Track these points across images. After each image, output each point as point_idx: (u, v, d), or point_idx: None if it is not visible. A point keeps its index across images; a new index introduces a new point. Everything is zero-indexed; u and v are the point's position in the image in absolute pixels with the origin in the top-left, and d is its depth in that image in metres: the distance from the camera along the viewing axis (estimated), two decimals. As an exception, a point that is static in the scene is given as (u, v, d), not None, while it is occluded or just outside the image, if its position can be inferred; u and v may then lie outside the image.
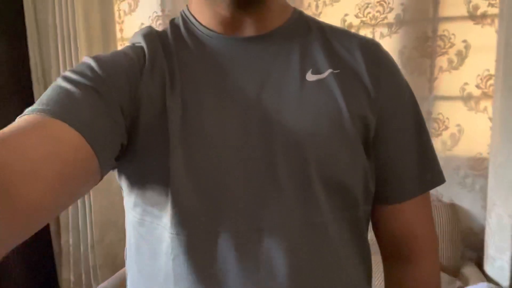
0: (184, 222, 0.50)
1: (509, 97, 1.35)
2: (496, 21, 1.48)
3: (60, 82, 0.47)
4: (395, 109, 0.57)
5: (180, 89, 0.52)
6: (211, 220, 0.50)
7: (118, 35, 1.93)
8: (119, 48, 1.94)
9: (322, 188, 0.52)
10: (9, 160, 0.35)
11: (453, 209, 1.67)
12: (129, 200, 0.55)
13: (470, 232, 1.68)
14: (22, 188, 0.35)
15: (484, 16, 1.53)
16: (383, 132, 0.56)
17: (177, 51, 0.55)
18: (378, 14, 1.64)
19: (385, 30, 1.65)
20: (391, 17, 1.63)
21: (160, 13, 1.85)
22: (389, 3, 1.62)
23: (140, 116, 0.50)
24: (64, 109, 0.43)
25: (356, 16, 1.69)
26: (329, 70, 0.55)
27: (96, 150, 0.43)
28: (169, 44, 0.56)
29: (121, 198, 0.56)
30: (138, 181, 0.53)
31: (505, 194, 1.41)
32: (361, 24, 1.69)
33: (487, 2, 1.52)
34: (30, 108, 0.44)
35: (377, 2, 1.63)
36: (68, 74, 0.48)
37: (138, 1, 1.89)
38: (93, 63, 0.49)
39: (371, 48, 0.58)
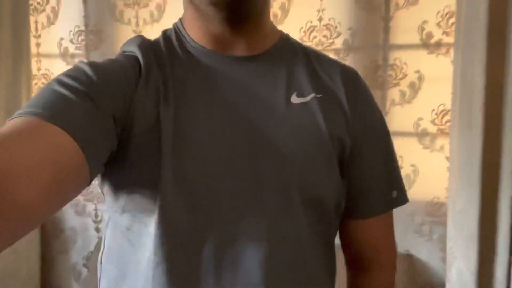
0: (170, 231, 0.52)
1: (467, 135, 1.20)
2: (452, 50, 1.35)
3: (54, 85, 0.47)
4: (368, 134, 0.63)
5: (173, 102, 0.54)
6: (195, 231, 0.52)
7: (34, 50, 1.71)
8: (33, 64, 1.75)
9: (301, 203, 0.56)
10: (3, 163, 0.36)
11: (410, 261, 1.47)
12: (116, 205, 0.56)
13: (429, 287, 1.48)
14: (15, 191, 0.35)
15: (438, 45, 1.40)
16: (356, 154, 0.62)
17: (170, 63, 0.57)
18: (324, 39, 1.48)
19: (332, 57, 1.50)
20: (338, 43, 1.48)
21: (83, 28, 1.64)
22: (336, 27, 1.47)
23: (134, 126, 0.52)
24: (59, 113, 0.43)
25: (301, 40, 1.52)
26: (313, 94, 0.59)
27: (88, 156, 0.44)
28: (162, 56, 0.58)
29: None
30: (126, 187, 0.54)
31: (465, 246, 1.23)
32: (308, 49, 1.52)
33: (441, 30, 1.39)
34: (23, 111, 0.43)
35: (324, 25, 1.48)
36: (63, 78, 0.48)
37: (58, 13, 1.68)
38: (88, 69, 0.50)
39: (350, 76, 0.64)
